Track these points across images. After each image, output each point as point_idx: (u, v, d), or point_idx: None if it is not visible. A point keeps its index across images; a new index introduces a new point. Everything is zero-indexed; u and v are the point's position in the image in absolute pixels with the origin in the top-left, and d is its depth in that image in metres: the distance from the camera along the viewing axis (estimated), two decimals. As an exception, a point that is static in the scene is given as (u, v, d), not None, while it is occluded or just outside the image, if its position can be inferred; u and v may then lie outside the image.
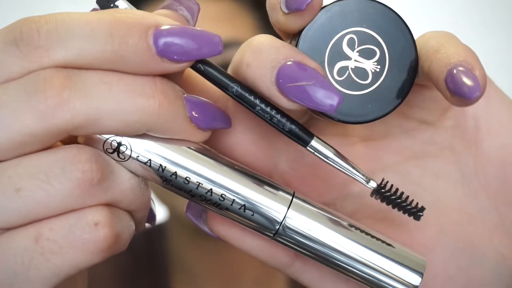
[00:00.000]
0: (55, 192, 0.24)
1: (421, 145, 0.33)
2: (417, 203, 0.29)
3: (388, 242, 0.29)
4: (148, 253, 0.70)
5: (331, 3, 0.28)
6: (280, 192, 0.28)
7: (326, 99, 0.26)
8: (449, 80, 0.26)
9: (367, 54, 0.29)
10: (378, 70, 0.29)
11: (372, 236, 0.28)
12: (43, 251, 0.24)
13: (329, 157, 0.28)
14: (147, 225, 0.30)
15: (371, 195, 0.29)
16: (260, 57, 0.27)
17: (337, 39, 0.29)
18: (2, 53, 0.24)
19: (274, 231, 0.28)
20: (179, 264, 0.70)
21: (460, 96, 0.26)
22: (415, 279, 0.28)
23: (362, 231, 0.28)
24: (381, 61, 0.29)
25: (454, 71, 0.26)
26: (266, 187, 0.28)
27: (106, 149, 0.26)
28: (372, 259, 0.28)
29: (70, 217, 0.24)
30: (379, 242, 0.28)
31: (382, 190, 0.28)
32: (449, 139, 0.33)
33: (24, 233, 0.24)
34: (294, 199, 0.28)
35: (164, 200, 0.67)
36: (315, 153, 0.28)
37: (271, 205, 0.27)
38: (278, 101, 0.27)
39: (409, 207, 0.28)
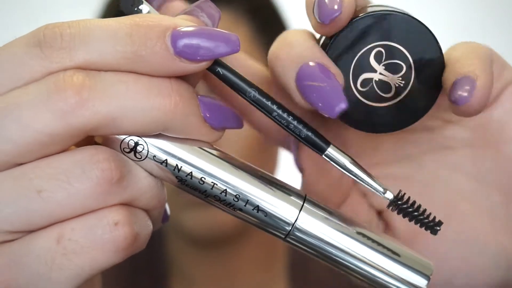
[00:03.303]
0: (76, 192, 0.24)
1: (441, 140, 0.34)
2: (434, 217, 0.28)
3: (396, 245, 0.29)
4: (147, 258, 0.70)
5: (365, 15, 0.29)
6: (293, 195, 0.28)
7: (332, 103, 0.27)
8: (451, 89, 0.28)
9: (393, 69, 0.29)
10: (402, 85, 0.30)
11: (381, 239, 0.29)
12: (65, 251, 0.24)
13: (346, 166, 0.28)
14: None
15: (388, 206, 0.28)
16: (290, 51, 0.29)
17: (365, 51, 0.29)
18: (25, 54, 0.24)
19: (286, 233, 0.28)
20: (177, 269, 0.70)
21: (453, 103, 0.27)
22: (422, 281, 0.29)
23: (371, 233, 0.29)
24: (406, 77, 0.29)
25: (458, 81, 0.27)
26: (279, 189, 0.28)
27: (123, 149, 0.26)
28: (380, 262, 0.29)
29: (90, 217, 0.25)
30: (388, 245, 0.29)
31: (399, 202, 0.28)
32: (470, 137, 0.33)
33: (46, 234, 0.24)
34: (305, 201, 0.28)
35: None
36: (331, 161, 0.28)
37: (284, 207, 0.28)
38: (293, 96, 0.28)
39: (426, 220, 0.28)
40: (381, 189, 0.28)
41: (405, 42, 0.29)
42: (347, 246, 0.28)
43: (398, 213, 0.28)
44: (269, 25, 0.68)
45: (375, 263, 0.29)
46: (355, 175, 0.28)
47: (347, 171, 0.28)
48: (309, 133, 0.28)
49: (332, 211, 0.29)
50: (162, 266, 0.71)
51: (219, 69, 0.27)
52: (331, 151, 0.28)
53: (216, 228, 0.63)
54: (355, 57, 0.29)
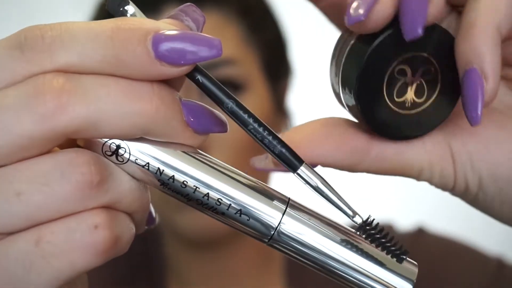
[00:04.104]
0: (55, 195, 0.24)
1: None
2: (401, 245, 0.28)
3: (381, 252, 0.29)
4: (144, 260, 0.70)
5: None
6: (276, 198, 0.28)
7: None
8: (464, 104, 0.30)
9: (420, 88, 0.32)
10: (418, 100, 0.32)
11: (365, 245, 0.29)
12: (44, 254, 0.24)
13: (317, 187, 0.28)
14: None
15: (356, 230, 0.28)
16: None
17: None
18: (6, 57, 0.24)
19: (269, 236, 0.28)
20: (174, 271, 0.70)
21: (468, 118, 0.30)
22: (406, 286, 0.29)
23: (355, 238, 0.29)
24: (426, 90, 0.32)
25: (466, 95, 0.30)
26: (262, 193, 0.28)
27: (105, 152, 0.26)
28: (364, 265, 0.28)
29: (70, 220, 0.24)
30: (372, 249, 0.29)
31: (367, 227, 0.28)
32: None
33: (25, 237, 0.24)
34: (289, 205, 0.28)
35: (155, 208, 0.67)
36: (302, 180, 0.28)
37: (267, 210, 0.28)
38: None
39: (393, 248, 0.28)
40: (351, 213, 0.28)
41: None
42: (331, 250, 0.28)
43: (365, 238, 0.28)
44: (260, 25, 0.68)
45: (359, 267, 0.28)
46: (326, 196, 0.28)
47: (317, 191, 0.28)
48: (283, 150, 0.27)
49: (316, 214, 0.29)
50: (158, 268, 0.71)
51: (198, 76, 0.27)
52: (303, 169, 0.28)
53: (211, 229, 0.63)
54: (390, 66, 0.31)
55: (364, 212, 0.30)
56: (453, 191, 0.35)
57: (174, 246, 0.70)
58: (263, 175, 0.68)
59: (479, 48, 0.29)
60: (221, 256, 0.68)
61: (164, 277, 0.70)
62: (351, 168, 0.33)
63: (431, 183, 0.34)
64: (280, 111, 0.72)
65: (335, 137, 0.32)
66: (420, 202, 1.10)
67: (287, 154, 0.28)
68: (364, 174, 0.34)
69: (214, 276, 0.69)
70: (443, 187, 0.35)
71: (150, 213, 0.31)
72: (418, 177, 0.34)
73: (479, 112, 0.30)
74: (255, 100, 0.65)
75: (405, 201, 1.17)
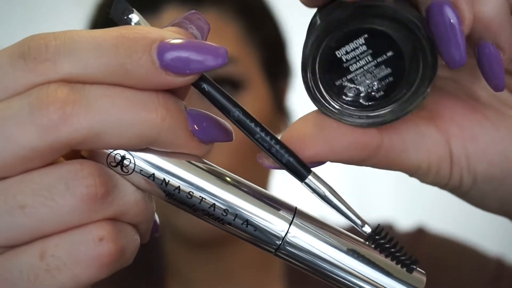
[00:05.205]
0: (59, 208, 0.24)
1: None
2: (411, 255, 0.28)
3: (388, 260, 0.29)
4: (144, 260, 0.70)
5: None
6: (282, 208, 0.28)
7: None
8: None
9: None
10: None
11: (372, 254, 0.29)
12: (48, 267, 0.24)
13: (325, 196, 0.27)
14: None
15: (365, 240, 0.28)
16: None
17: None
18: (9, 67, 0.24)
19: (276, 247, 0.28)
20: (174, 270, 0.70)
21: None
22: None
23: (363, 247, 0.29)
24: None
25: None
26: (268, 202, 0.28)
27: (110, 163, 0.26)
28: (372, 275, 0.28)
29: (74, 233, 0.24)
30: (380, 258, 0.29)
31: (377, 237, 0.27)
32: None
33: (29, 250, 0.24)
34: (296, 215, 0.28)
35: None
36: (310, 189, 0.27)
37: (273, 221, 0.28)
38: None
39: (403, 258, 0.28)
40: (359, 222, 0.27)
41: None
42: (338, 260, 0.28)
43: (375, 248, 0.28)
44: (260, 24, 0.68)
45: (367, 277, 0.28)
46: (334, 205, 0.27)
47: (325, 201, 0.27)
48: (291, 159, 0.27)
49: (323, 224, 0.29)
50: (159, 268, 0.71)
51: (204, 85, 0.26)
52: (311, 179, 0.27)
53: (210, 229, 0.62)
54: None
55: (364, 211, 0.30)
56: (445, 187, 0.34)
57: (174, 246, 0.70)
58: (264, 178, 0.68)
59: (490, 23, 0.27)
60: (221, 256, 0.68)
61: (164, 277, 0.70)
62: (356, 163, 0.32)
63: (423, 181, 0.34)
64: (280, 110, 0.71)
65: (342, 135, 0.30)
66: (420, 202, 1.10)
67: (294, 163, 0.27)
68: (364, 174, 0.34)
69: (214, 276, 0.69)
70: (435, 184, 0.34)
71: (155, 221, 0.30)
72: (412, 175, 0.34)
73: (503, 80, 0.28)
74: (254, 99, 0.64)
75: (405, 201, 1.17)
